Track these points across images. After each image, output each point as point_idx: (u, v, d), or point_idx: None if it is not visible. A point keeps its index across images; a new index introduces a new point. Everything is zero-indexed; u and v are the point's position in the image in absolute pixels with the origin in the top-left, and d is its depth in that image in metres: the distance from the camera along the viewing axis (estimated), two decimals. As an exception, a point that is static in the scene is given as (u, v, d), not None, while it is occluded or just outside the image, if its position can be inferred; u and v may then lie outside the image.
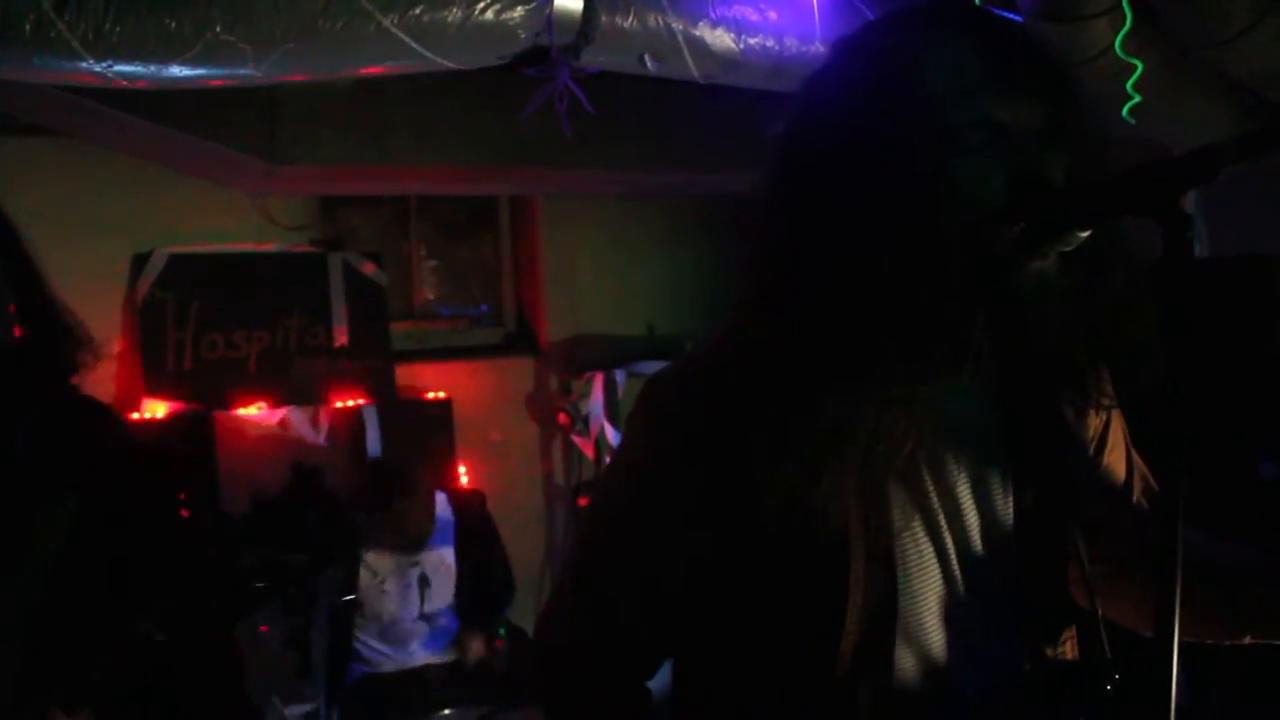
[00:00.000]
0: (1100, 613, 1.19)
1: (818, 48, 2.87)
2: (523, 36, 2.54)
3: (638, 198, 5.52)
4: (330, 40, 2.32)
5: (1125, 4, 2.71)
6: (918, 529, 1.14)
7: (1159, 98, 3.01)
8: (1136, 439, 1.34)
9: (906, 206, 1.05)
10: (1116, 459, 1.32)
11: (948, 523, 1.16)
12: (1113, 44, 2.77)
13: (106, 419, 1.73)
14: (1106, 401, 1.25)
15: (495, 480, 4.91)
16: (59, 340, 1.63)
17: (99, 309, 4.57)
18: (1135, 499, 1.33)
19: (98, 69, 2.19)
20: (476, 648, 3.91)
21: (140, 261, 4.69)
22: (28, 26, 2.03)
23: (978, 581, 1.17)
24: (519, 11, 2.48)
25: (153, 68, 2.25)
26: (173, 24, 2.17)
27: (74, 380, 1.66)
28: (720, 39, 2.80)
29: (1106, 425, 1.29)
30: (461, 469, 4.96)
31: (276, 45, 2.29)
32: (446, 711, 3.61)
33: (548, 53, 2.60)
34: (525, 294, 5.72)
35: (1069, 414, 1.23)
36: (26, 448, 1.56)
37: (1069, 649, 1.23)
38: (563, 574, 1.31)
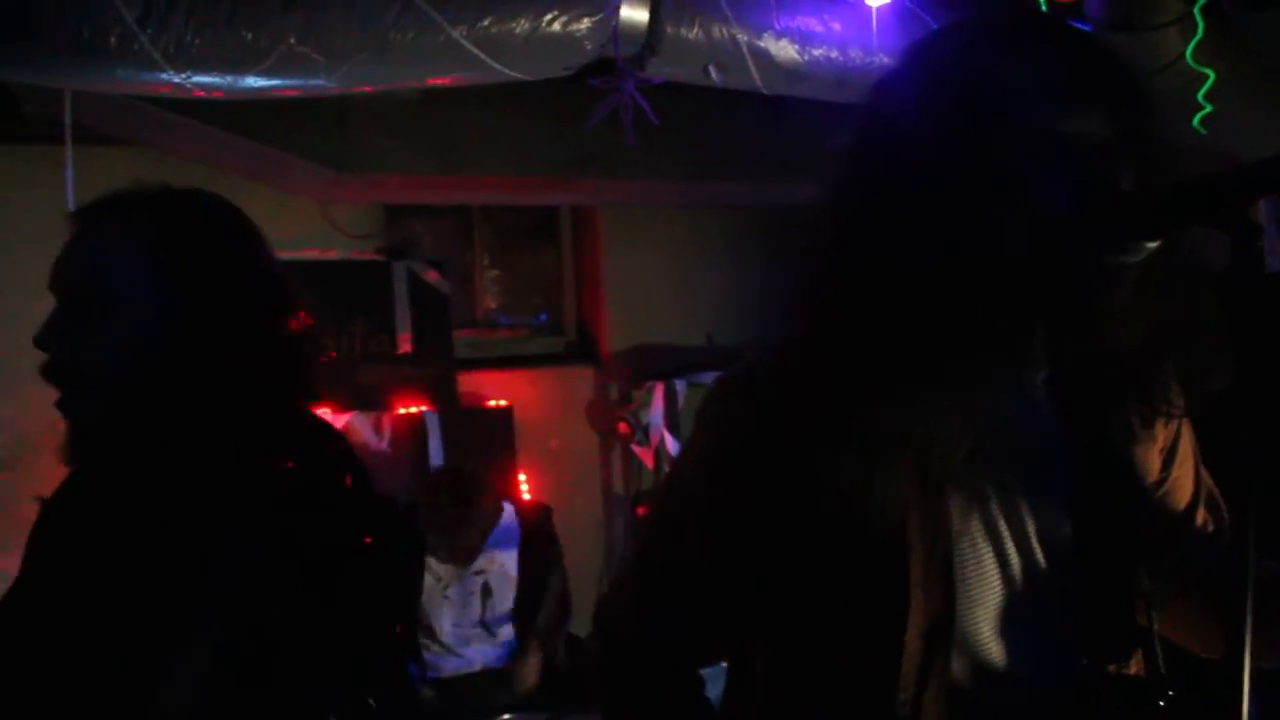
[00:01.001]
0: (1156, 628, 1.18)
1: (881, 59, 2.87)
2: (589, 48, 2.57)
3: (699, 208, 5.54)
4: (400, 51, 2.37)
5: (1197, 12, 2.68)
6: (977, 535, 1.14)
7: (1230, 107, 2.97)
8: (1205, 454, 1.32)
9: (971, 215, 1.06)
10: (1184, 474, 1.30)
11: (1009, 530, 1.15)
12: (1184, 53, 2.74)
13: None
14: (1175, 413, 1.23)
15: (554, 489, 4.95)
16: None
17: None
18: (1200, 517, 1.31)
19: (177, 80, 2.26)
20: (531, 672, 3.93)
21: (211, 268, 4.78)
22: (113, 40, 2.10)
23: (1038, 591, 1.16)
24: (585, 23, 2.51)
25: (229, 78, 2.32)
26: (249, 36, 2.23)
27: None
28: (784, 50, 2.81)
29: (1176, 438, 1.28)
30: (522, 476, 5.00)
31: (349, 56, 2.34)
32: (505, 717, 3.63)
33: (613, 63, 2.63)
34: (586, 303, 5.75)
35: (1136, 425, 1.22)
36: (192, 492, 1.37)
37: (1134, 665, 1.21)
38: (626, 560, 1.34)
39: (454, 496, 3.93)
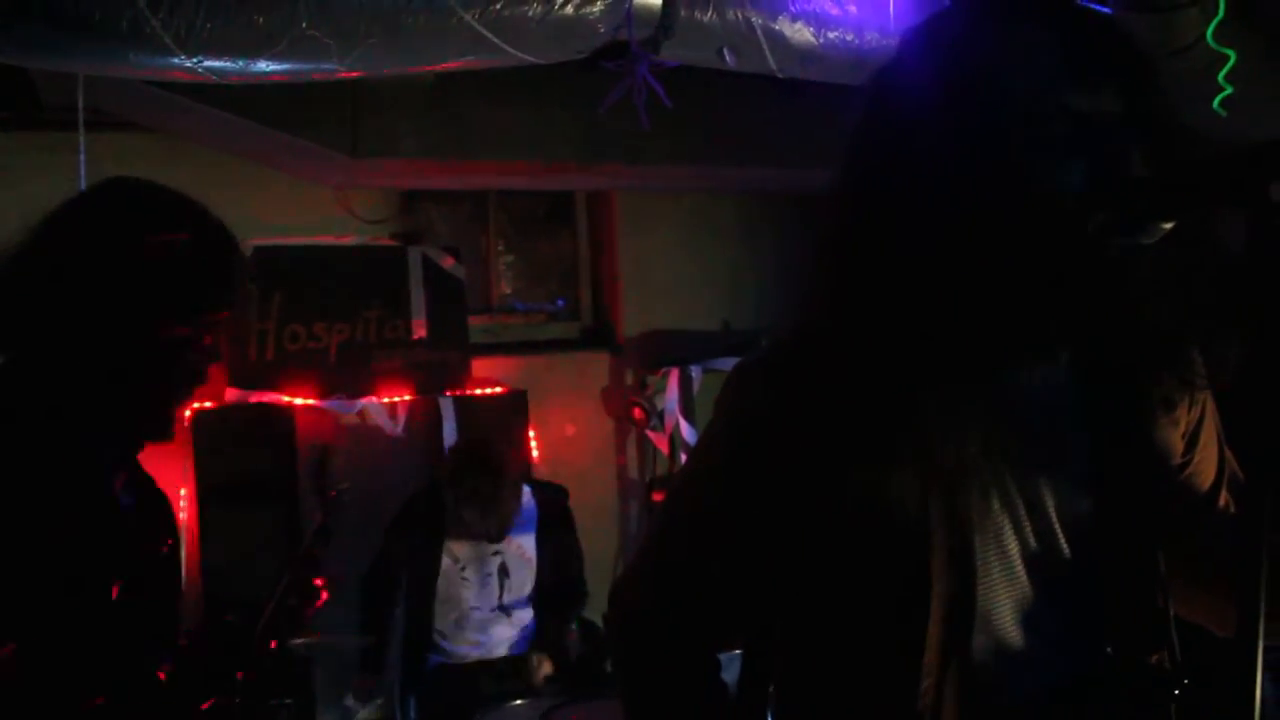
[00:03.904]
0: (1173, 613, 1.17)
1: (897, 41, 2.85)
2: (602, 30, 2.56)
3: (714, 193, 5.52)
4: (412, 35, 2.36)
5: (1218, -7, 2.65)
6: (999, 517, 1.13)
7: (1252, 89, 2.94)
8: (1230, 437, 1.31)
9: (982, 197, 1.04)
10: (1207, 457, 1.28)
11: (1028, 513, 1.14)
12: (1204, 34, 2.71)
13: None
14: (1199, 392, 1.22)
15: (569, 474, 4.94)
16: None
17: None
18: (1223, 499, 1.30)
19: (189, 64, 2.26)
20: (545, 669, 3.91)
21: (226, 254, 4.78)
22: (124, 24, 2.11)
23: (1059, 575, 1.15)
24: (598, 6, 2.50)
25: (241, 62, 2.32)
26: (260, 19, 2.23)
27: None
28: (799, 33, 2.79)
29: (1199, 421, 1.26)
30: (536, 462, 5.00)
31: (360, 40, 2.34)
32: (518, 702, 3.62)
33: (627, 47, 2.61)
34: (602, 288, 5.75)
35: (1157, 408, 1.21)
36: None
37: (1158, 654, 1.20)
38: (642, 543, 1.34)
39: (486, 467, 3.88)
